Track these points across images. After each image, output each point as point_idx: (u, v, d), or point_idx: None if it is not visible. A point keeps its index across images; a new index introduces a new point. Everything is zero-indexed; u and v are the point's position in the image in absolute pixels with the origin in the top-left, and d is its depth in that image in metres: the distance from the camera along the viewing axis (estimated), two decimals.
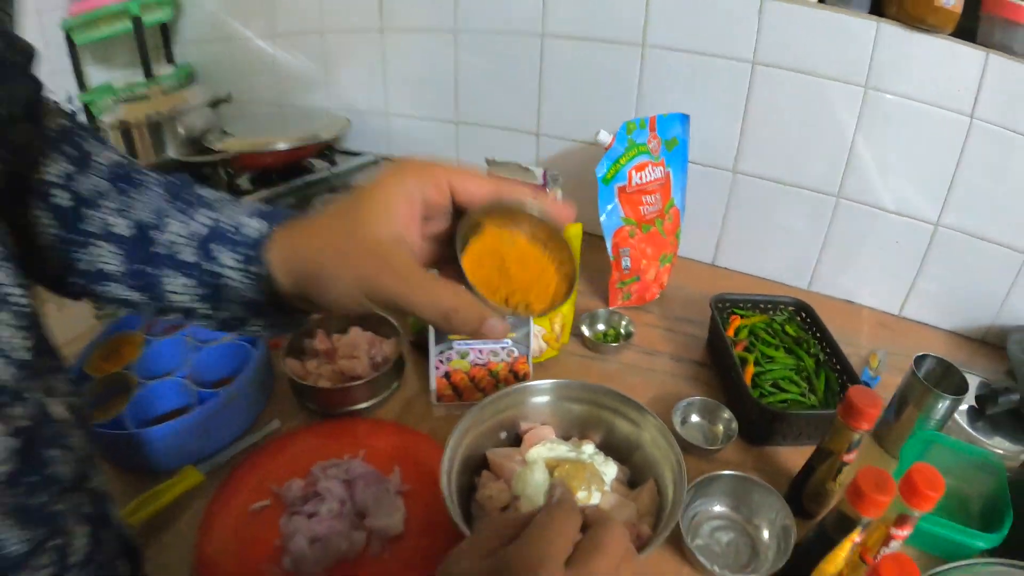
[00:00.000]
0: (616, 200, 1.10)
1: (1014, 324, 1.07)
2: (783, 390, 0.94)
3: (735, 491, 0.81)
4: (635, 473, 0.79)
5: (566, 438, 0.82)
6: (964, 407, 0.96)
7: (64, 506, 0.41)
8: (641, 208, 1.12)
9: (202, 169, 1.33)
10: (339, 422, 0.92)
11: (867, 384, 0.99)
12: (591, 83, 1.24)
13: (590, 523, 0.47)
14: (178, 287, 0.50)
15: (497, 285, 0.47)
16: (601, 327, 1.13)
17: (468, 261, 0.46)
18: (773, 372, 0.95)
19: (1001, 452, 0.90)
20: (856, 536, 0.65)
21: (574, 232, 1.01)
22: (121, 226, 0.50)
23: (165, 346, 0.97)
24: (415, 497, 0.81)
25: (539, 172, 1.05)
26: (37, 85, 0.50)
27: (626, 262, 1.13)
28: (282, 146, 1.29)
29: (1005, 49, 0.94)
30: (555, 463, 0.74)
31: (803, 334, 1.03)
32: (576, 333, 1.10)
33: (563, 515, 0.46)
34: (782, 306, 1.08)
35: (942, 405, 0.83)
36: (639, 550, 0.64)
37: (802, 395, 0.93)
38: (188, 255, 0.49)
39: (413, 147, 1.49)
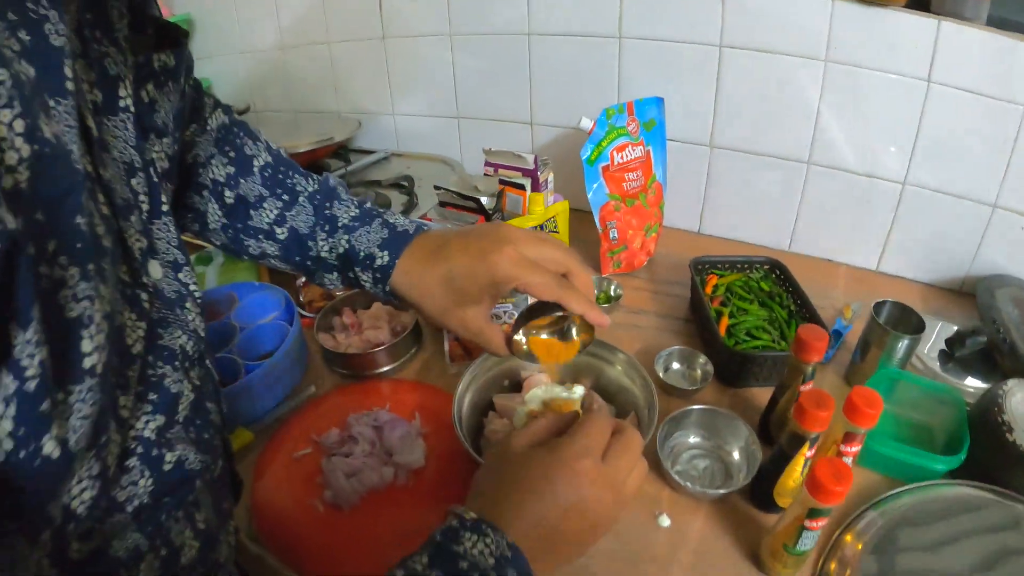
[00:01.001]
0: (601, 178, 1.20)
1: (987, 274, 1.14)
2: (756, 338, 1.03)
3: (708, 423, 0.91)
4: (620, 411, 0.89)
5: (561, 383, 0.92)
6: (936, 351, 1.03)
7: (217, 442, 0.54)
8: (624, 184, 1.21)
9: None
10: (366, 383, 1.04)
11: (840, 332, 1.07)
12: (575, 74, 1.33)
13: (617, 431, 0.59)
14: (328, 280, 0.71)
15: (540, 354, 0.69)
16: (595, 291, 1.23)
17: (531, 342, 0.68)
18: (747, 322, 1.05)
19: (971, 390, 0.96)
20: (807, 451, 0.75)
21: (561, 208, 1.11)
22: (280, 232, 0.69)
23: (212, 330, 1.07)
24: (434, 437, 0.92)
25: (530, 158, 1.16)
26: (199, 86, 0.69)
27: (613, 234, 1.23)
28: (301, 149, 1.39)
29: (956, 15, 1.00)
30: (550, 401, 0.85)
31: (776, 289, 1.12)
32: None
33: (602, 420, 0.59)
34: (757, 265, 1.17)
35: (901, 344, 0.92)
36: None
37: (774, 342, 1.02)
38: (335, 262, 0.69)
39: (419, 142, 1.60)
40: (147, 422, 0.44)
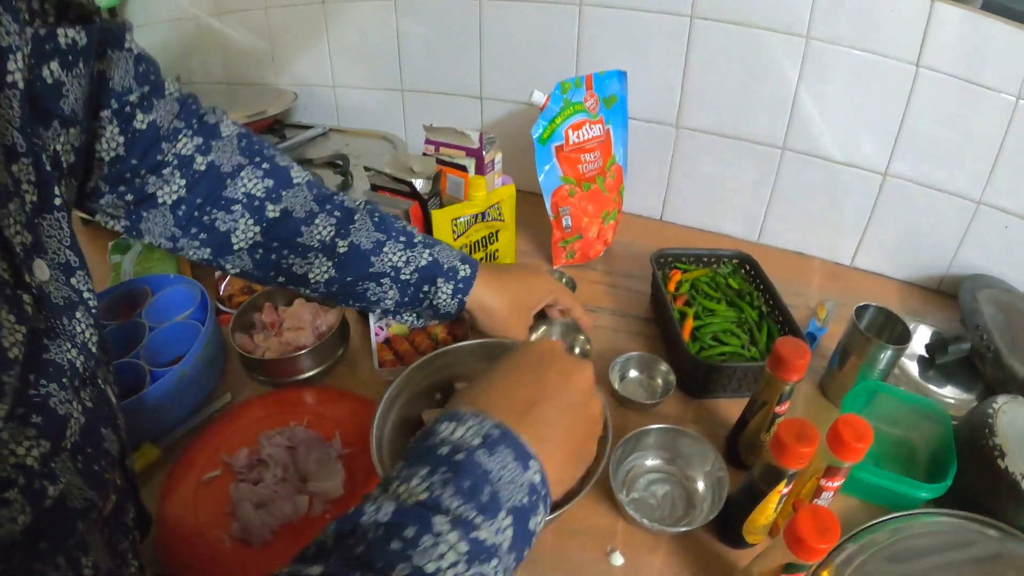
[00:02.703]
0: (554, 160, 1.06)
1: (967, 273, 1.04)
2: (723, 343, 0.91)
3: (669, 444, 0.78)
4: None
5: None
6: (914, 357, 0.94)
7: (111, 475, 0.48)
8: (580, 167, 1.07)
9: None
10: (287, 391, 0.90)
11: (813, 335, 0.96)
12: (530, 44, 1.19)
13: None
14: (386, 294, 0.71)
15: None
16: None
17: None
18: (713, 325, 0.92)
19: (952, 401, 0.87)
20: (783, 488, 0.63)
21: (507, 193, 0.97)
22: (341, 246, 0.68)
23: (119, 330, 0.93)
24: (356, 459, 0.79)
25: (475, 136, 1.01)
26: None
27: (567, 221, 1.09)
28: None
29: None
30: None
31: (746, 287, 1.00)
32: None
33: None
34: (725, 259, 1.04)
35: (884, 355, 0.81)
36: (565, 503, 0.61)
37: (743, 347, 0.90)
38: (408, 276, 0.70)
39: (361, 117, 1.42)
40: (29, 448, 0.38)
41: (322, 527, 0.68)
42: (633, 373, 0.92)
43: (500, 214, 0.99)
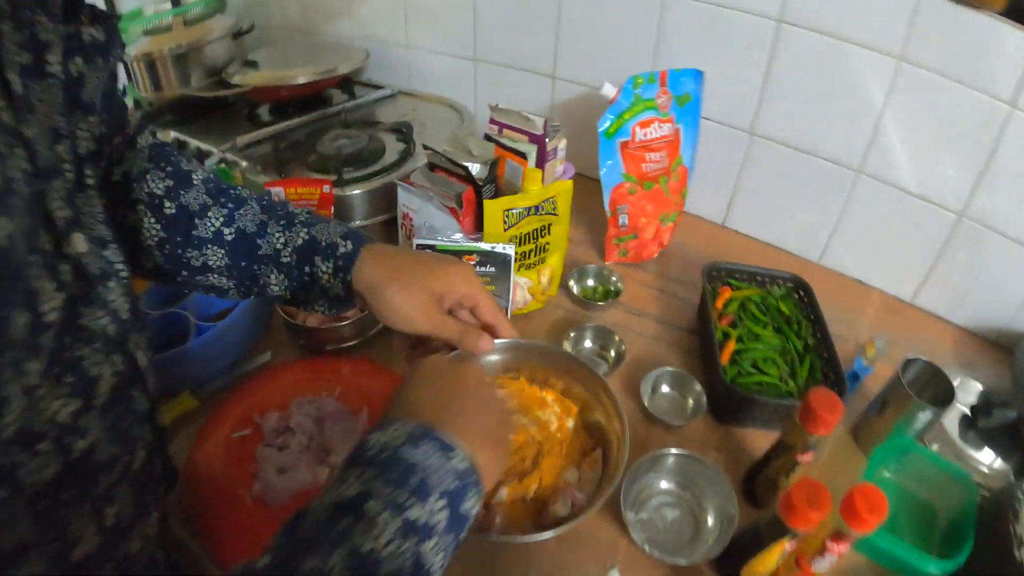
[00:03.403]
0: (618, 155, 1.03)
1: None
2: (762, 371, 0.88)
3: (687, 470, 0.78)
4: (587, 431, 0.76)
5: None
6: (957, 412, 0.88)
7: (136, 432, 0.51)
8: (643, 165, 1.05)
9: (223, 102, 1.30)
10: (325, 359, 0.93)
11: (857, 375, 0.92)
12: (608, 30, 1.14)
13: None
14: (275, 280, 0.67)
15: None
16: (591, 282, 1.09)
17: None
18: (755, 352, 0.90)
19: (986, 469, 0.82)
20: (787, 544, 0.62)
21: (563, 188, 0.96)
22: (228, 232, 0.65)
23: None
24: None
25: (540, 122, 0.99)
26: (122, 102, 0.64)
27: (623, 219, 1.08)
28: (300, 80, 1.24)
29: None
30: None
31: (796, 314, 0.96)
32: (565, 286, 1.06)
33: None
34: (780, 281, 1.01)
35: (923, 415, 0.77)
36: (572, 517, 0.63)
37: (780, 379, 0.88)
38: (287, 258, 0.66)
39: (431, 82, 1.41)
40: (63, 405, 0.42)
41: None
42: (665, 388, 0.91)
43: (555, 208, 0.98)
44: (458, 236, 0.92)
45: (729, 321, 0.94)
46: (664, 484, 0.79)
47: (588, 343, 0.98)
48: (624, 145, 1.03)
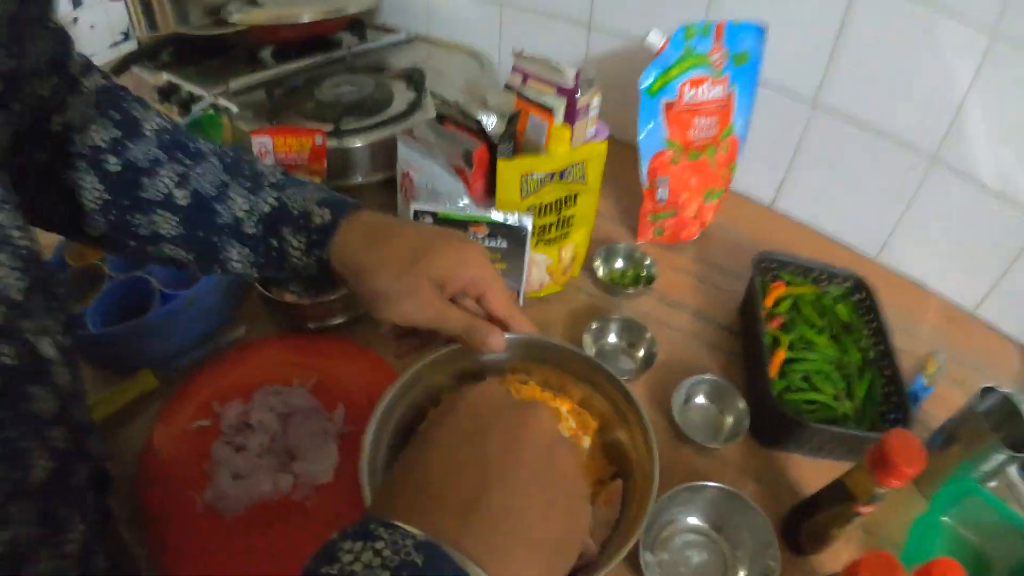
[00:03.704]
0: (660, 117, 0.88)
1: None
2: (815, 388, 0.75)
3: (720, 507, 0.65)
4: (606, 455, 0.63)
5: None
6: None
7: (32, 442, 0.40)
8: (690, 132, 0.90)
9: (222, 43, 1.16)
10: (307, 339, 0.81)
11: (916, 395, 0.78)
12: None
13: None
14: (237, 255, 0.55)
15: None
16: (620, 264, 0.94)
17: None
18: (808, 363, 0.76)
19: None
20: None
21: (595, 153, 0.82)
22: (181, 196, 0.54)
23: None
24: (355, 441, 0.68)
25: (570, 72, 0.84)
26: (62, 37, 0.52)
27: (662, 192, 0.93)
28: (305, 19, 1.09)
29: None
30: None
31: (856, 320, 0.82)
32: (589, 267, 0.92)
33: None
34: (839, 279, 0.86)
35: (996, 458, 0.64)
36: (580, 570, 0.50)
37: (835, 398, 0.74)
38: (251, 228, 0.54)
39: (452, 27, 1.24)
40: None
41: (301, 515, 0.63)
42: (700, 400, 0.78)
43: (583, 175, 0.83)
44: (465, 202, 0.79)
45: (780, 323, 0.80)
46: (692, 520, 0.66)
47: (613, 337, 0.84)
48: (669, 107, 0.88)
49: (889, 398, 0.74)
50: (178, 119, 1.01)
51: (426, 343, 0.57)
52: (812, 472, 0.71)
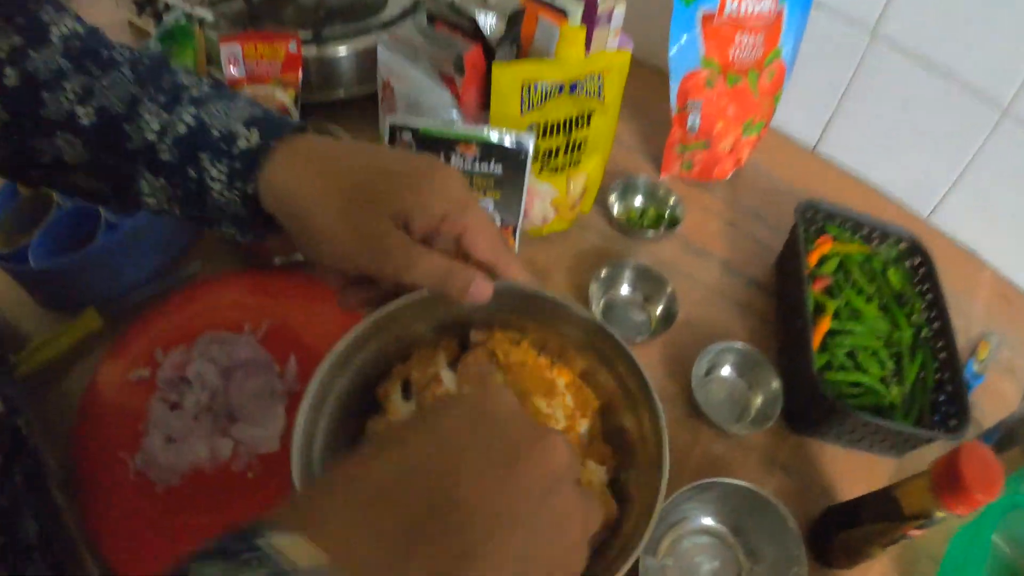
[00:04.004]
0: (696, 31, 0.74)
1: None
2: (860, 368, 0.63)
3: (741, 507, 0.55)
4: (607, 442, 0.52)
5: None
6: None
7: None
8: (731, 50, 0.75)
9: None
10: (268, 276, 0.69)
11: (967, 384, 0.67)
12: None
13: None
14: (149, 188, 0.45)
15: None
16: (638, 202, 0.81)
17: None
18: (854, 337, 0.65)
19: None
20: None
21: (616, 62, 0.67)
22: (83, 114, 0.44)
23: None
24: None
25: None
26: None
27: (694, 119, 0.79)
28: None
29: None
30: None
31: (909, 289, 0.70)
32: (602, 202, 0.79)
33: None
34: (892, 239, 0.73)
35: None
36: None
37: (883, 380, 0.63)
38: (166, 155, 0.43)
39: None
40: None
41: (241, 488, 0.54)
42: (726, 371, 0.66)
43: (600, 90, 0.69)
44: (453, 117, 0.67)
45: (824, 286, 0.67)
46: (704, 520, 0.56)
47: (626, 288, 0.72)
48: (707, 19, 0.74)
49: (942, 386, 0.63)
50: (152, 31, 0.89)
51: (385, 295, 0.45)
52: (849, 467, 0.62)
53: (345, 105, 0.83)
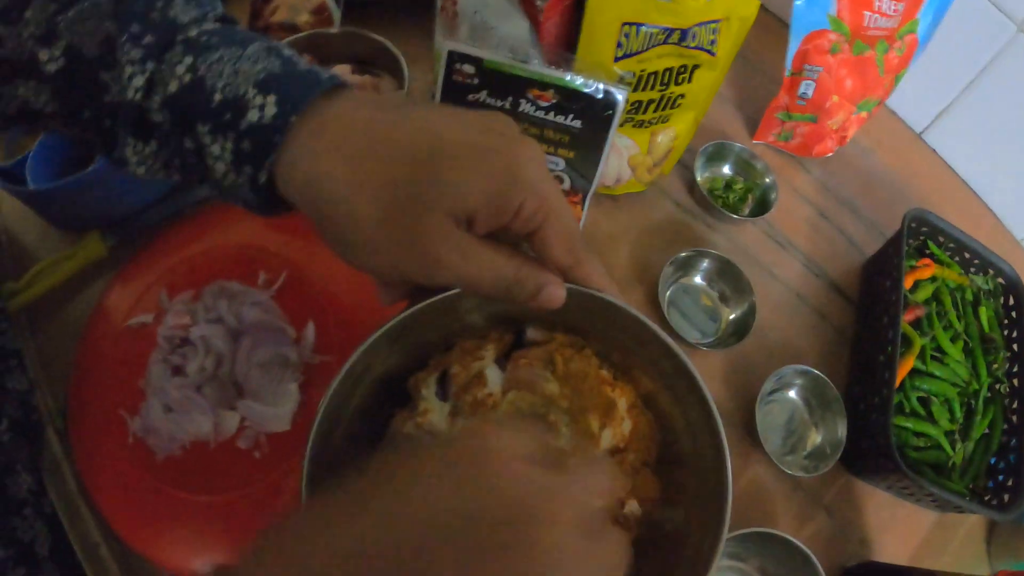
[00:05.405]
0: None
1: None
2: (931, 418, 0.58)
3: (775, 552, 0.52)
4: (658, 476, 0.47)
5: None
6: None
7: None
8: (867, 14, 0.64)
9: None
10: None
11: None
12: None
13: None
14: (133, 153, 0.35)
15: None
16: (726, 170, 0.71)
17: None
18: (933, 383, 0.58)
19: None
20: None
21: (744, 12, 0.57)
22: (46, 56, 0.33)
23: None
24: (326, 378, 0.52)
25: None
26: None
27: (807, 87, 0.68)
28: None
29: None
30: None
31: (997, 333, 0.63)
32: (685, 165, 0.69)
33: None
34: (990, 271, 0.65)
35: None
36: None
37: (948, 435, 0.58)
38: (156, 115, 0.33)
39: None
40: None
41: (247, 468, 0.49)
42: (792, 394, 0.60)
43: (713, 42, 0.58)
44: (529, 51, 0.56)
45: (914, 317, 0.61)
46: (726, 560, 0.53)
47: (699, 279, 0.65)
48: None
49: (1004, 451, 0.58)
50: None
51: (431, 292, 0.37)
52: (891, 516, 0.59)
53: (397, 8, 0.70)
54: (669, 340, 0.38)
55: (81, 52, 0.33)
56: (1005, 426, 0.59)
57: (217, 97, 0.32)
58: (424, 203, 0.31)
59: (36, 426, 0.50)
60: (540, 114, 0.55)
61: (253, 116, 0.31)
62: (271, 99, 0.32)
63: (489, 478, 0.26)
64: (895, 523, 0.58)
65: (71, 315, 0.57)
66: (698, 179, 0.68)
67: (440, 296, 0.36)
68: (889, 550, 0.57)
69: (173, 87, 0.32)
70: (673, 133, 0.64)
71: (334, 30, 0.66)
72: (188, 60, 0.33)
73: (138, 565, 0.48)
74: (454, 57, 0.52)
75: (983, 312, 0.63)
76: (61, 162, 0.59)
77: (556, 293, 0.34)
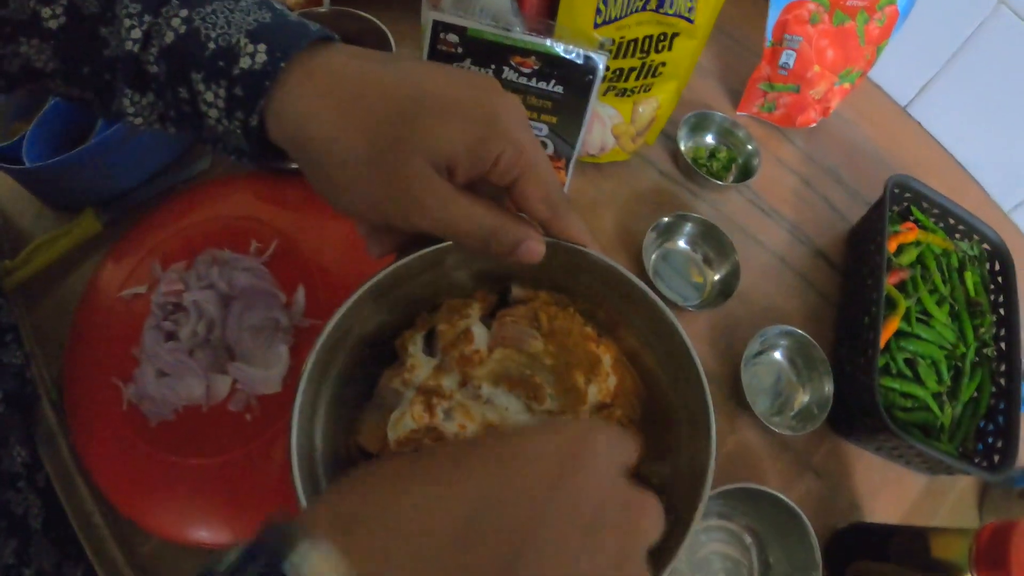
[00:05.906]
0: None
1: None
2: (917, 379, 0.58)
3: (764, 511, 0.52)
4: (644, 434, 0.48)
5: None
6: None
7: None
8: None
9: None
10: (283, 180, 0.61)
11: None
12: None
13: None
14: (131, 105, 0.36)
15: None
16: (709, 140, 0.72)
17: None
18: (919, 344, 0.59)
19: None
20: None
21: None
22: (48, 14, 0.35)
23: None
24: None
25: None
26: None
27: (788, 57, 0.69)
28: None
29: None
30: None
31: (983, 297, 0.64)
32: (669, 136, 0.70)
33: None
34: (975, 236, 0.66)
35: None
36: None
37: (936, 397, 0.58)
38: (152, 66, 0.35)
39: None
40: None
41: (239, 430, 0.49)
42: (778, 355, 0.61)
43: (691, 9, 0.60)
44: (511, 20, 0.57)
45: (899, 280, 0.62)
46: (723, 519, 0.53)
47: (683, 243, 0.66)
48: None
49: (994, 414, 0.59)
50: None
51: (423, 238, 0.38)
52: (881, 478, 0.59)
53: None
54: (654, 296, 0.39)
55: (81, 8, 0.35)
56: (993, 389, 0.60)
57: (211, 46, 0.34)
58: (407, 147, 0.32)
59: (31, 399, 0.50)
60: (523, 80, 0.56)
61: (245, 63, 0.33)
62: (262, 47, 0.34)
63: (587, 475, 0.28)
64: (885, 487, 0.58)
65: (67, 290, 0.57)
66: (682, 148, 0.69)
67: (427, 249, 0.37)
68: (879, 514, 0.57)
69: (169, 38, 0.34)
70: (656, 103, 0.65)
71: (323, 9, 0.68)
72: (183, 12, 0.34)
73: (132, 533, 0.48)
74: (439, 27, 0.53)
75: (969, 277, 0.64)
76: (57, 144, 0.60)
77: (535, 248, 0.35)
